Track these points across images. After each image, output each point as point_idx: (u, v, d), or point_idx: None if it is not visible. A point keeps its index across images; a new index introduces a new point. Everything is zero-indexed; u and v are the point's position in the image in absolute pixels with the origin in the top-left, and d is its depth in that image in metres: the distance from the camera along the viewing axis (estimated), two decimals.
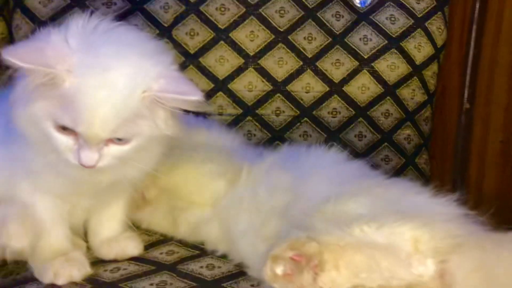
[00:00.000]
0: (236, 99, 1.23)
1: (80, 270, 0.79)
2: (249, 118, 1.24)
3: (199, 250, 0.91)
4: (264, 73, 1.23)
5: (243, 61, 1.23)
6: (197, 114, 1.19)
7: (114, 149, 0.72)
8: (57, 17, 1.18)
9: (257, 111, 1.24)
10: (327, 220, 0.73)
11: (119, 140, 0.72)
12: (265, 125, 1.24)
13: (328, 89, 1.25)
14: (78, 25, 0.72)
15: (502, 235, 0.75)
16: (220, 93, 1.23)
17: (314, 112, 1.25)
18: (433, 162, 1.39)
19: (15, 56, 0.67)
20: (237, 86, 1.23)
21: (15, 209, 0.79)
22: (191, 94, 0.70)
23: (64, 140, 0.71)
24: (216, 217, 0.92)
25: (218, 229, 0.91)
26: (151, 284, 0.80)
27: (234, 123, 1.23)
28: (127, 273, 0.82)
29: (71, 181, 0.78)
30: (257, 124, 1.24)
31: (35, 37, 0.73)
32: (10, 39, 1.20)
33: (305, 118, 1.26)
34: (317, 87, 1.25)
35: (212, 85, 1.22)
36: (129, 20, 1.19)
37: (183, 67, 1.20)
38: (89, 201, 0.84)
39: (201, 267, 0.86)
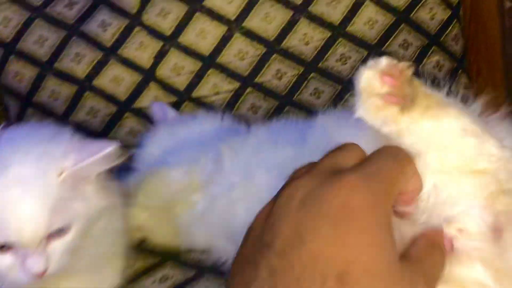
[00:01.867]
0: (229, 73, 1.09)
1: None
2: (249, 90, 1.10)
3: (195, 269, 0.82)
4: (252, 36, 1.08)
5: (226, 28, 1.08)
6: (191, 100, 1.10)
7: (57, 245, 0.67)
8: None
9: (255, 80, 1.10)
10: None
11: (59, 233, 0.67)
12: (268, 93, 1.10)
13: (329, 34, 1.08)
14: None
15: None
16: (211, 70, 1.09)
17: (320, 65, 1.09)
18: (480, 79, 1.19)
19: None
20: (226, 58, 1.09)
21: None
22: (106, 147, 0.68)
23: (5, 260, 0.66)
24: (209, 214, 0.82)
25: (215, 227, 0.82)
26: None
27: (234, 99, 1.10)
28: None
29: None
30: (259, 93, 1.10)
31: None
32: None
33: (312, 74, 1.10)
34: (317, 35, 1.08)
35: (200, 64, 1.09)
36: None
37: (163, 53, 1.08)
38: None
39: None
